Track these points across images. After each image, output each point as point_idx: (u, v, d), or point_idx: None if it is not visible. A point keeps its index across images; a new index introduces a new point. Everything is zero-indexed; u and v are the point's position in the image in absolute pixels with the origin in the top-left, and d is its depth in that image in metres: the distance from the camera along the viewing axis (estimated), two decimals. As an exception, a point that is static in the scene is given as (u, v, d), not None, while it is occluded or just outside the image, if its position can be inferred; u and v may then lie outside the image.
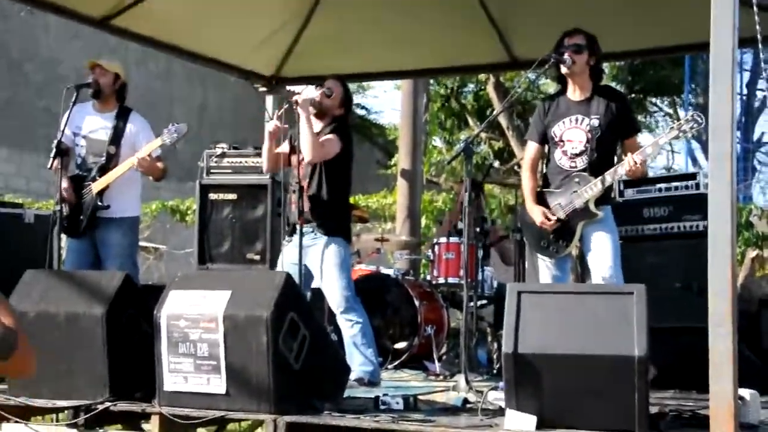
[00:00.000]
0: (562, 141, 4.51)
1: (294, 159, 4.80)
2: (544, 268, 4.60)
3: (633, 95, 14.77)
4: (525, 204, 4.66)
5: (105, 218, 5.14)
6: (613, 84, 14.32)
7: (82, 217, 5.13)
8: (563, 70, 4.49)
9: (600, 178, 4.37)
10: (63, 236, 5.20)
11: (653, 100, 16.20)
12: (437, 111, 14.12)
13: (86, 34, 11.79)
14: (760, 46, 3.63)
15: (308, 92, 4.79)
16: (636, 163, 4.27)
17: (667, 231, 5.40)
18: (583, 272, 4.87)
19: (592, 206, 4.40)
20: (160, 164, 5.23)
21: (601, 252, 4.39)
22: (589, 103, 4.51)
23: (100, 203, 5.10)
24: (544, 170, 4.72)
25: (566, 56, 4.43)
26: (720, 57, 3.14)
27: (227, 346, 3.52)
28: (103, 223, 5.15)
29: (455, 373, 5.09)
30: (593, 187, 4.38)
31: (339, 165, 4.85)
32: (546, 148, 4.72)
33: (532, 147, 4.71)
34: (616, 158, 4.66)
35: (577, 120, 4.49)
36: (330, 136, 4.83)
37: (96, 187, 5.11)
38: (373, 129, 18.38)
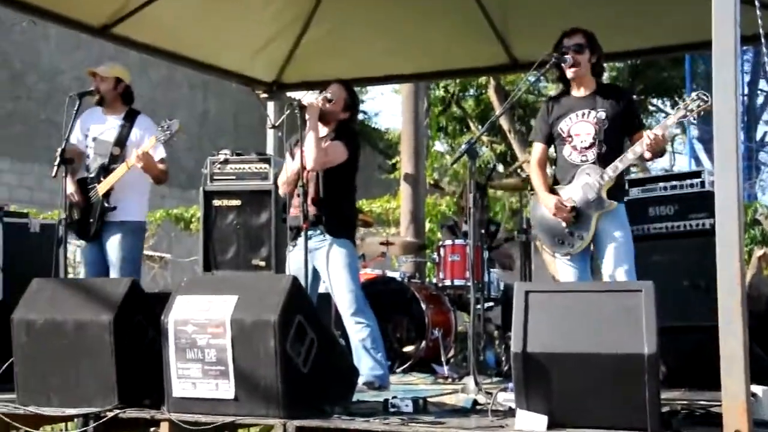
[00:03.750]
0: (570, 136, 4.48)
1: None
2: (564, 267, 4.53)
3: (634, 96, 14.77)
4: (537, 199, 4.60)
5: (110, 222, 5.16)
6: (613, 85, 14.35)
7: (92, 220, 5.17)
8: (568, 73, 4.48)
9: (611, 165, 4.33)
10: (70, 244, 5.20)
11: (654, 101, 16.22)
12: (438, 116, 14.14)
13: (87, 44, 11.81)
14: (763, 41, 3.62)
15: (308, 98, 4.78)
16: (656, 135, 4.19)
17: (674, 229, 5.39)
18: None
19: (604, 196, 4.36)
20: (162, 166, 5.22)
21: (616, 257, 4.34)
22: (594, 97, 4.49)
23: (106, 204, 5.12)
24: (553, 171, 4.69)
25: (568, 56, 4.43)
26: (722, 53, 3.13)
27: (235, 350, 3.51)
28: (108, 227, 5.17)
29: (464, 375, 5.08)
30: (605, 176, 4.34)
31: (344, 170, 4.83)
32: (552, 148, 4.70)
33: (538, 147, 4.68)
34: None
35: (584, 114, 4.47)
36: (335, 142, 4.81)
37: (101, 188, 5.14)
38: (373, 133, 18.38)
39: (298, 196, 4.71)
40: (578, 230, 4.42)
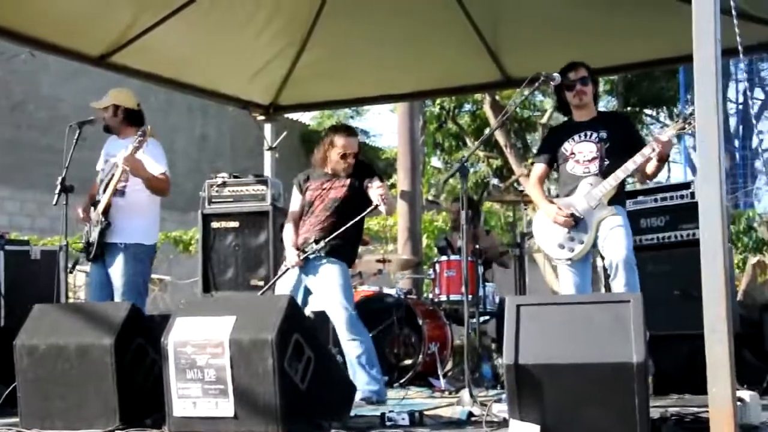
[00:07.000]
0: (573, 153, 4.69)
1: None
2: (565, 273, 4.67)
3: (629, 108, 14.89)
4: (538, 210, 4.78)
5: (110, 243, 5.07)
6: (608, 98, 14.48)
7: (92, 240, 5.09)
8: (575, 101, 4.69)
9: (612, 175, 4.52)
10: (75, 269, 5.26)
11: (649, 112, 16.34)
12: (433, 132, 14.24)
13: (86, 73, 11.91)
14: (741, 55, 3.72)
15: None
16: (662, 141, 4.40)
17: (665, 240, 5.49)
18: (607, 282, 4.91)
19: (605, 203, 4.54)
20: (161, 176, 5.15)
21: (616, 238, 4.49)
22: (596, 121, 4.74)
23: (102, 219, 5.04)
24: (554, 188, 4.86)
25: (578, 87, 4.66)
26: (703, 65, 3.20)
27: (234, 369, 3.58)
28: (111, 250, 5.09)
29: (461, 388, 5.14)
30: (606, 186, 4.53)
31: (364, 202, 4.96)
32: (553, 169, 4.90)
33: (539, 167, 4.90)
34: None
35: (586, 135, 4.70)
36: (378, 183, 4.93)
37: (99, 206, 5.09)
38: (372, 152, 18.44)
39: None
40: (578, 235, 4.58)
